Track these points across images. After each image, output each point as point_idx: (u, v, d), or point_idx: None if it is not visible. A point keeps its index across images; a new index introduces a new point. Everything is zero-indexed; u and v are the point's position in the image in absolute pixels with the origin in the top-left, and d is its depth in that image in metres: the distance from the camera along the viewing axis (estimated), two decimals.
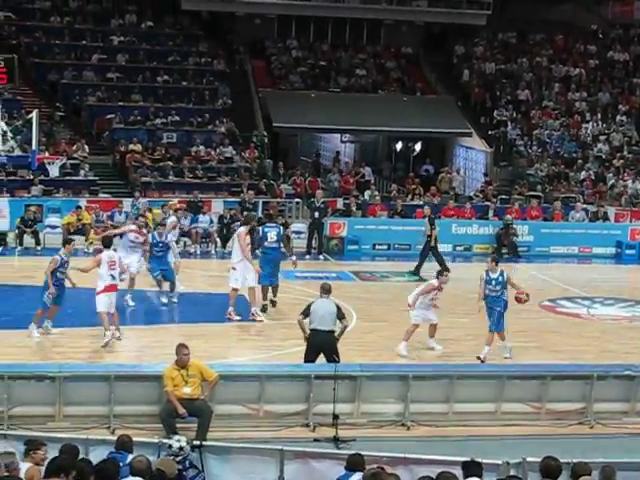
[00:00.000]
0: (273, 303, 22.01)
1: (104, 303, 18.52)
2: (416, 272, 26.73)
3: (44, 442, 10.66)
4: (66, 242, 20.14)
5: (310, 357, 16.06)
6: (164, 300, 22.08)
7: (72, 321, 19.82)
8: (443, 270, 19.67)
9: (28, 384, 14.09)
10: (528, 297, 18.89)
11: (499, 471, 11.38)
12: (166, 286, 22.16)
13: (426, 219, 27.85)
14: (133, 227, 22.23)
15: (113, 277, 18.75)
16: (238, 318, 20.95)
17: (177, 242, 26.23)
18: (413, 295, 18.84)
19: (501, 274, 18.69)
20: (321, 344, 15.99)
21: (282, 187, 36.52)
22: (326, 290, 16.69)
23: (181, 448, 11.70)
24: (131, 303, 21.32)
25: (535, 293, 25.17)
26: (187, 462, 11.77)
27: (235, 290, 21.06)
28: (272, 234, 22.10)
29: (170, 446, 11.74)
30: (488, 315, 18.67)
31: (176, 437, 12.11)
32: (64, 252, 19.20)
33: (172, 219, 24.78)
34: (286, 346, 18.57)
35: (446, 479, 9.05)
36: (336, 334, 16.13)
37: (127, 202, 31.21)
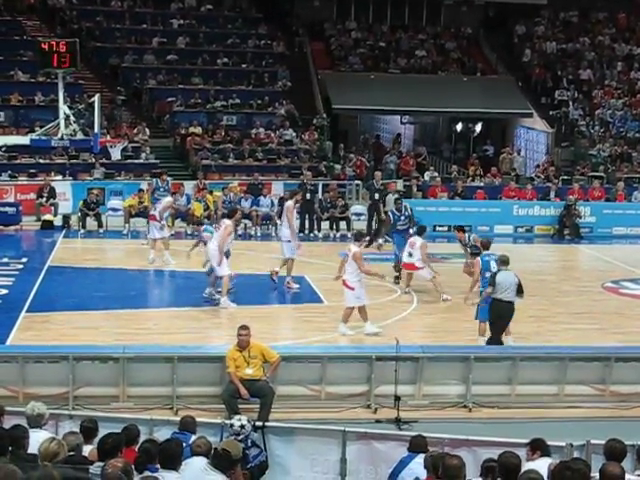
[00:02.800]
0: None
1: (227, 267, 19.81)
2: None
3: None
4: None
5: (499, 326, 16.67)
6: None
7: (136, 302, 20.00)
8: (360, 235, 19.36)
9: (92, 365, 14.28)
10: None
11: (563, 453, 11.30)
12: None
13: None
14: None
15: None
16: (297, 286, 21.56)
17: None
18: (350, 274, 17.96)
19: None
20: (503, 313, 16.58)
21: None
22: (505, 262, 16.95)
23: (242, 427, 11.77)
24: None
25: (598, 274, 25.11)
26: (249, 441, 11.85)
27: (292, 260, 21.67)
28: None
29: (232, 425, 11.82)
30: None
31: (237, 417, 12.18)
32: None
33: (168, 199, 25.29)
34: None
35: (508, 460, 8.98)
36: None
37: (188, 185, 31.25)
